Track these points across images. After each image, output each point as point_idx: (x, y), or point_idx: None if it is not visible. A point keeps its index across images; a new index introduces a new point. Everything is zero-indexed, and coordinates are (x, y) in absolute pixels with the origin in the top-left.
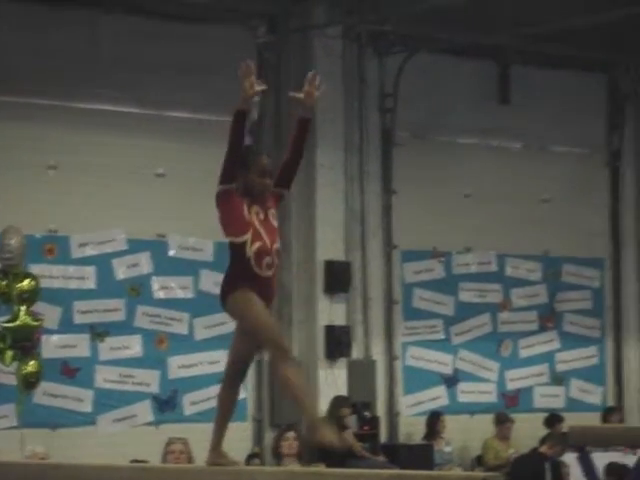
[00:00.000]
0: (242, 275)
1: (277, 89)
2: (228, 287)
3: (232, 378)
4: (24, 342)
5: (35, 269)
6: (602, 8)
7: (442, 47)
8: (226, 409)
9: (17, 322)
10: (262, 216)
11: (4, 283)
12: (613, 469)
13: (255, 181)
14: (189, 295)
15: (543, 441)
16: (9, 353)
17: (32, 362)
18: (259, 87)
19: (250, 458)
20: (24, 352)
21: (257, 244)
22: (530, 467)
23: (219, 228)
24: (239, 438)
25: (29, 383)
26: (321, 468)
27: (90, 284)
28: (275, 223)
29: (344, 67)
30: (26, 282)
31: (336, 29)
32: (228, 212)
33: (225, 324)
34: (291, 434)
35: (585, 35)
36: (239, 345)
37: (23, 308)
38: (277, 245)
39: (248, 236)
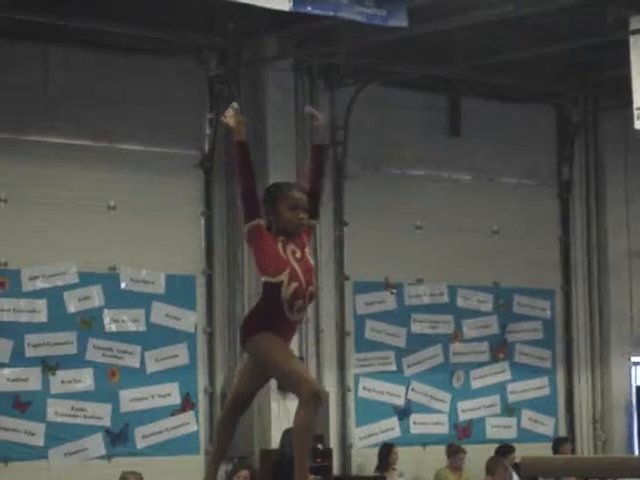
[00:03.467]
0: (270, 317)
1: None
2: (252, 327)
3: (234, 412)
4: None
5: None
6: (550, 40)
7: (393, 80)
8: (224, 443)
9: None
10: (299, 254)
11: None
12: None
13: (289, 216)
14: (141, 328)
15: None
16: None
17: None
18: (235, 115)
19: None
20: None
21: (293, 285)
22: None
23: (170, 261)
24: (192, 471)
25: None
26: None
27: (41, 317)
28: (312, 261)
29: (295, 99)
30: None
31: (287, 62)
32: (261, 250)
33: (176, 357)
34: (244, 472)
35: (534, 67)
36: (248, 381)
37: None
38: (312, 287)
39: (284, 276)
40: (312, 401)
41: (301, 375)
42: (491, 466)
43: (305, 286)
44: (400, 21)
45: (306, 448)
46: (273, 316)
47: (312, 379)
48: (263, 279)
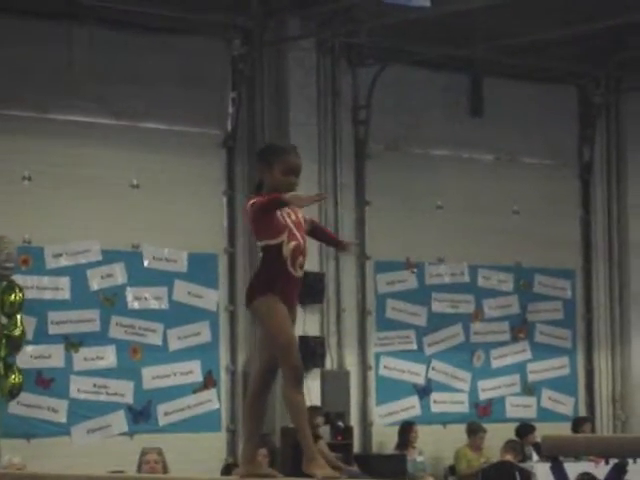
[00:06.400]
0: (275, 277)
1: (251, 101)
2: (258, 288)
3: (259, 391)
4: (17, 351)
5: None
6: (573, 21)
7: (415, 59)
8: (258, 419)
9: (18, 331)
10: (293, 216)
11: None
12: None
13: (281, 180)
14: (163, 306)
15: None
16: (1, 363)
17: (17, 373)
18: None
19: (229, 468)
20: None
21: (293, 243)
22: (501, 476)
23: (193, 239)
24: (213, 448)
25: (13, 394)
26: None
27: (64, 295)
28: (305, 226)
29: (318, 79)
30: (18, 291)
31: (310, 42)
32: (261, 218)
33: (199, 335)
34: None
35: (556, 48)
36: (267, 354)
37: (19, 317)
38: (306, 245)
39: (284, 237)
40: (292, 379)
41: (286, 351)
42: (508, 446)
43: (303, 243)
44: (423, 1)
45: (303, 426)
46: (277, 275)
47: (294, 356)
48: (262, 243)
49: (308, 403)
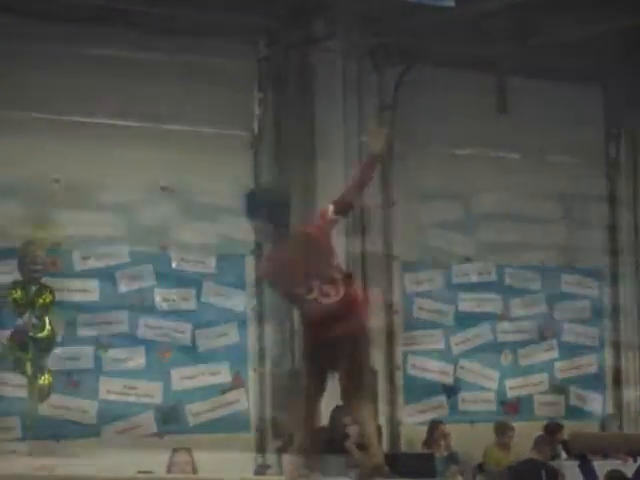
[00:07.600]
0: None
1: (277, 102)
2: None
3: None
4: (46, 353)
5: None
6: (598, 20)
7: (440, 59)
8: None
9: (45, 332)
10: None
11: (20, 294)
12: (614, 477)
13: None
14: (191, 307)
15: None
16: (29, 364)
17: (47, 375)
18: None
19: (262, 468)
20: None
21: None
22: (526, 474)
23: (220, 241)
24: (242, 448)
25: (43, 395)
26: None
27: (93, 297)
28: None
29: (343, 80)
30: (47, 294)
31: (335, 43)
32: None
33: (227, 336)
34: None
35: (582, 46)
36: None
37: (47, 319)
38: None
39: None
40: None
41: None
42: (538, 443)
43: None
44: (447, 1)
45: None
46: None
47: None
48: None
49: (336, 403)
